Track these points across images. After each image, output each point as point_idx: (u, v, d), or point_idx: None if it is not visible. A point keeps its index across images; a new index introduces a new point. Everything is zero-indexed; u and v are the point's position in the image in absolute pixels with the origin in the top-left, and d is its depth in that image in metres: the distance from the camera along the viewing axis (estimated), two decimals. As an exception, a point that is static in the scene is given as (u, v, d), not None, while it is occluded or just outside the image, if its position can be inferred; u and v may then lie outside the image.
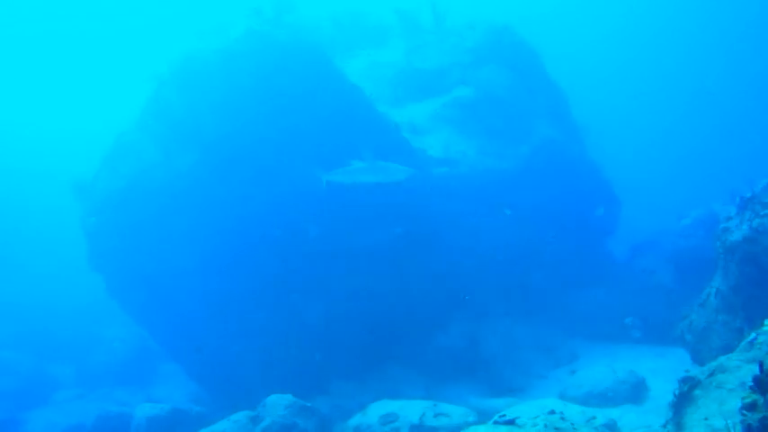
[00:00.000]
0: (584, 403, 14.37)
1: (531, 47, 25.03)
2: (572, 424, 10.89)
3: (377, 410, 14.12)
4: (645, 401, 15.35)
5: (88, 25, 55.72)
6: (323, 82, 18.77)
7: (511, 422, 11.63)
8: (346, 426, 14.83)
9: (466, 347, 19.59)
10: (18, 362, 28.88)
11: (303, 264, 18.40)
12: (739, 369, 8.99)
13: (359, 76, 21.72)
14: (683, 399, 9.15)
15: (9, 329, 32.92)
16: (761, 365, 6.58)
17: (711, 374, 9.14)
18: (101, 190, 20.20)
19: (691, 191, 34.12)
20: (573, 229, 22.53)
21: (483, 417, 13.94)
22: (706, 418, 8.48)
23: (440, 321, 19.95)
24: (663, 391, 14.77)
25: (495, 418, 12.13)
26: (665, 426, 9.22)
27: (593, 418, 11.82)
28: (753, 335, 9.49)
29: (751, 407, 6.52)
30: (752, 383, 6.57)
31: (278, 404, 14.91)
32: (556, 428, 10.46)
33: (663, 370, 16.74)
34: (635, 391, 15.66)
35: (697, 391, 9.06)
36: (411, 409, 13.87)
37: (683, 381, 9.30)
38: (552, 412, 11.49)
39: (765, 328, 9.38)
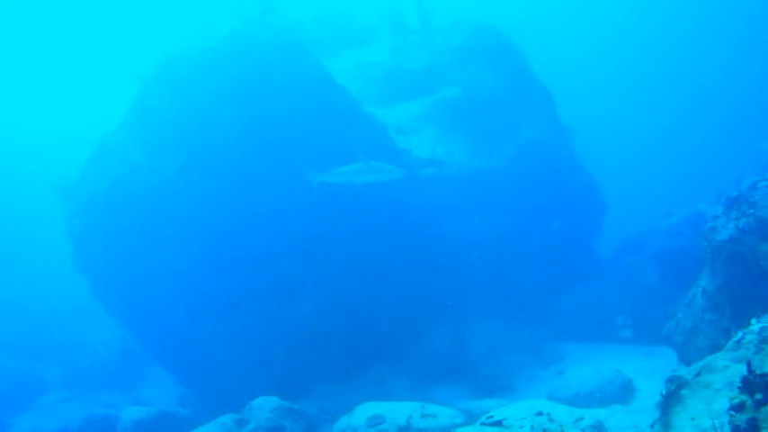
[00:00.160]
0: (572, 404, 14.32)
1: (517, 46, 25.02)
2: (560, 425, 10.87)
3: (364, 412, 14.05)
4: (632, 401, 15.33)
5: (74, 26, 55.46)
6: (308, 83, 18.70)
7: (498, 423, 11.60)
8: (333, 428, 14.73)
9: (453, 348, 19.57)
10: (4, 364, 28.70)
11: (289, 266, 18.34)
12: (726, 369, 8.98)
13: (345, 77, 21.66)
14: (671, 399, 9.13)
15: (-4, 332, 32.77)
16: (748, 366, 6.56)
17: (698, 374, 9.13)
18: (85, 192, 20.07)
19: (677, 190, 34.21)
20: (559, 229, 22.54)
21: (470, 418, 13.91)
22: (693, 418, 8.46)
23: (426, 323, 19.92)
24: (650, 390, 14.75)
25: (483, 419, 12.10)
26: (652, 426, 9.20)
27: (581, 418, 11.78)
28: (740, 334, 9.48)
29: (739, 407, 6.50)
30: (740, 384, 6.55)
31: (264, 407, 14.83)
32: (543, 429, 10.45)
33: (650, 370, 16.74)
34: (622, 392, 15.64)
35: (684, 391, 9.05)
36: (398, 410, 13.80)
37: (670, 380, 9.29)
38: (540, 413, 11.48)
39: (752, 328, 9.38)
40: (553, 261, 22.39)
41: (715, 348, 11.32)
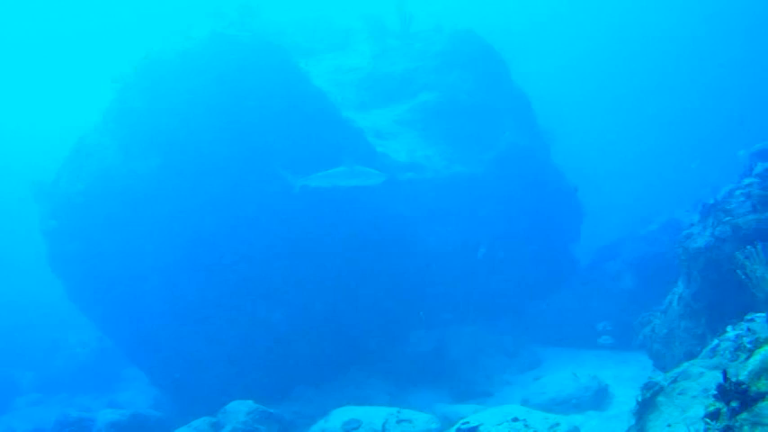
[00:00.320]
0: (548, 409, 14.34)
1: (497, 52, 25.08)
2: (535, 431, 10.88)
3: (339, 417, 13.98)
4: (608, 408, 15.35)
5: (52, 26, 55.08)
6: (287, 86, 18.65)
7: (474, 429, 11.61)
8: (308, 432, 14.68)
9: (430, 353, 19.55)
10: (-23, 367, 28.43)
11: (266, 268, 18.26)
12: (702, 376, 9.02)
13: (324, 81, 21.63)
14: (646, 405, 9.15)
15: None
16: (724, 374, 6.56)
17: (674, 381, 9.16)
18: (62, 192, 19.88)
19: (655, 197, 34.36)
20: (537, 235, 22.60)
21: (447, 423, 13.90)
22: (669, 425, 8.49)
23: (404, 327, 19.90)
24: (626, 397, 14.81)
25: (459, 425, 12.10)
26: (628, 432, 9.23)
27: (557, 424, 11.78)
28: (715, 341, 9.52)
29: (714, 415, 6.50)
30: (715, 392, 6.55)
31: (239, 410, 14.75)
32: (519, 436, 10.45)
33: (626, 376, 16.80)
34: (598, 398, 15.66)
35: (660, 398, 9.07)
36: (374, 415, 13.75)
37: (646, 387, 9.32)
38: (516, 419, 11.49)
39: (728, 335, 9.42)
40: (531, 267, 22.45)
41: (691, 355, 11.39)
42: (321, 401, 17.11)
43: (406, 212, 19.78)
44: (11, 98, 57.70)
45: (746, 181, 13.78)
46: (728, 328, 9.53)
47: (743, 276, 8.89)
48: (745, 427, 6.10)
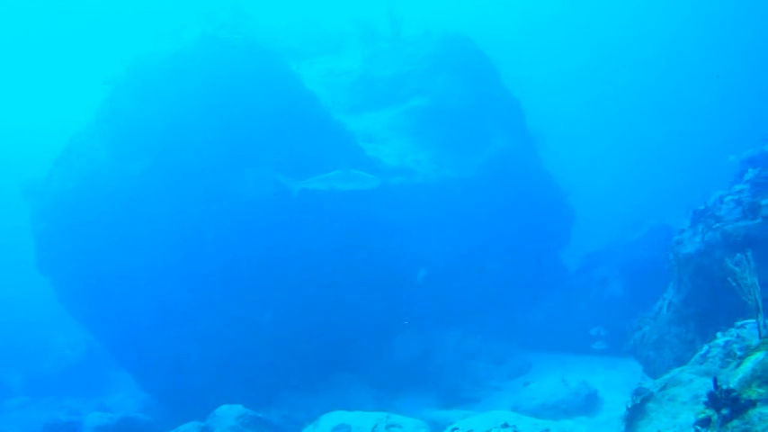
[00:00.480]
0: (537, 415, 14.32)
1: (488, 56, 25.08)
2: (525, 437, 10.85)
3: (328, 422, 13.91)
4: (598, 413, 15.36)
5: (43, 25, 54.91)
6: (278, 88, 18.62)
7: (463, 435, 11.55)
8: (298, 437, 14.64)
9: (418, 358, 19.53)
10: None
11: (256, 272, 18.22)
12: (692, 382, 9.00)
13: (315, 84, 21.59)
14: (636, 411, 9.14)
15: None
16: (715, 381, 6.55)
17: (664, 387, 9.14)
18: (52, 193, 19.80)
19: (645, 203, 34.44)
20: (526, 240, 22.59)
21: (435, 428, 13.85)
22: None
23: (392, 332, 19.86)
24: (616, 403, 14.79)
25: (448, 430, 12.05)
26: (617, 438, 9.21)
27: (547, 430, 11.75)
28: (705, 348, 9.51)
29: (705, 423, 6.48)
30: (706, 399, 6.53)
31: (228, 415, 14.68)
32: (509, 442, 10.42)
33: (615, 382, 16.80)
34: (588, 403, 15.66)
35: (650, 404, 9.06)
36: (363, 420, 13.68)
37: (636, 393, 9.30)
38: (506, 425, 11.44)
39: (718, 341, 9.41)
40: (520, 272, 22.45)
41: (681, 361, 11.38)
42: (310, 406, 17.07)
43: (395, 216, 19.74)
44: (1, 98, 57.48)
45: (737, 187, 13.82)
46: (718, 335, 9.52)
47: (733, 283, 8.87)
48: (736, 435, 6.09)
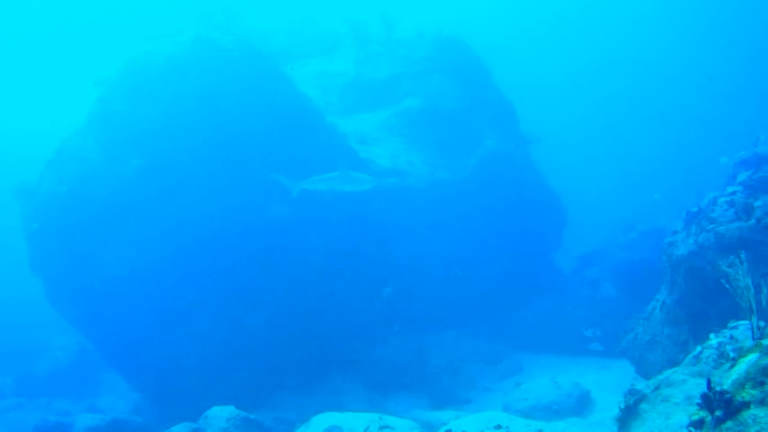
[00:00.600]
0: (529, 416, 14.31)
1: (481, 58, 25.09)
2: (518, 438, 10.83)
3: (320, 423, 13.86)
4: (590, 414, 15.34)
5: (36, 26, 54.74)
6: (271, 90, 18.58)
7: (456, 436, 11.52)
8: (289, 438, 14.60)
9: (410, 359, 19.50)
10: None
11: (247, 274, 18.18)
12: (685, 383, 9.00)
13: (308, 85, 21.58)
14: (629, 412, 9.13)
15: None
16: (708, 383, 6.53)
17: (657, 388, 9.14)
18: (44, 194, 19.74)
19: (638, 204, 34.45)
20: (519, 241, 22.58)
21: (428, 429, 13.83)
22: (652, 433, 8.45)
23: (384, 333, 19.83)
24: (608, 403, 14.80)
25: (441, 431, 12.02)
26: (610, 440, 9.20)
27: (540, 431, 11.74)
28: (698, 349, 9.50)
29: (698, 424, 6.47)
30: (699, 400, 6.51)
31: (220, 416, 14.61)
32: (502, 443, 10.40)
33: (608, 383, 16.79)
34: (580, 404, 15.64)
35: (643, 405, 9.05)
36: (355, 422, 13.63)
37: (629, 394, 9.29)
38: (498, 427, 11.42)
39: (711, 342, 9.40)
40: (512, 273, 22.43)
41: (673, 362, 11.37)
42: (301, 407, 17.03)
43: (388, 218, 19.71)
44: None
45: (730, 189, 13.83)
46: (711, 336, 9.52)
47: (726, 285, 8.87)
48: (730, 437, 6.08)
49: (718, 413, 6.26)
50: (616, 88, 65.98)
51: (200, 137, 17.91)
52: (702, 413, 6.46)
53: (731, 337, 9.13)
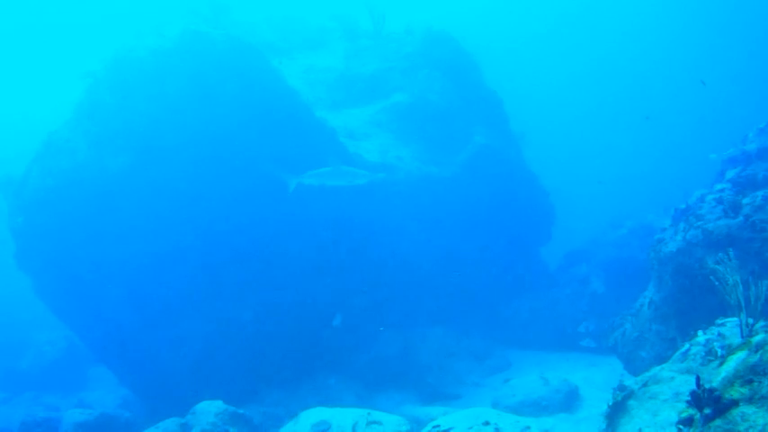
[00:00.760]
0: (518, 412, 14.34)
1: (469, 53, 25.11)
2: (506, 435, 10.83)
3: (308, 419, 13.86)
4: (578, 410, 15.37)
5: (21, 19, 54.49)
6: (259, 84, 18.52)
7: (444, 433, 11.52)
8: (277, 434, 14.56)
9: (399, 355, 19.48)
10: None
11: (235, 270, 18.14)
12: (673, 380, 9.02)
13: (296, 80, 21.51)
14: (617, 409, 9.15)
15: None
16: (697, 380, 6.55)
17: (645, 385, 9.16)
18: (30, 188, 19.58)
19: (626, 201, 34.56)
20: (507, 237, 22.62)
21: (416, 424, 13.83)
22: (640, 429, 8.48)
23: (372, 329, 19.82)
24: (596, 400, 14.85)
25: (429, 428, 12.02)
26: (598, 436, 9.22)
27: (528, 428, 11.75)
28: (686, 346, 9.53)
29: (687, 422, 6.49)
30: (688, 398, 6.53)
31: (208, 411, 14.58)
32: (490, 439, 10.40)
33: (596, 379, 16.85)
34: (568, 400, 15.68)
35: (631, 402, 9.07)
36: (344, 417, 13.64)
37: (618, 390, 9.30)
38: (487, 423, 11.42)
39: (699, 339, 9.43)
40: (500, 269, 22.48)
41: (661, 359, 11.41)
42: (290, 402, 17.04)
43: (377, 213, 19.71)
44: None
45: (718, 186, 13.88)
46: (699, 333, 9.55)
47: (715, 282, 8.91)
48: (718, 434, 6.10)
49: (707, 411, 6.28)
50: (606, 85, 66.12)
51: (188, 131, 17.82)
52: (691, 411, 6.48)
53: (719, 335, 9.16)
